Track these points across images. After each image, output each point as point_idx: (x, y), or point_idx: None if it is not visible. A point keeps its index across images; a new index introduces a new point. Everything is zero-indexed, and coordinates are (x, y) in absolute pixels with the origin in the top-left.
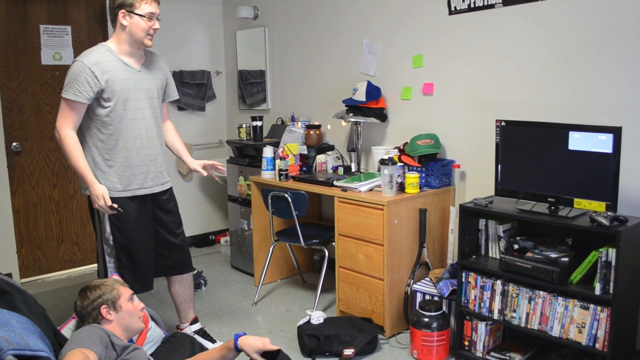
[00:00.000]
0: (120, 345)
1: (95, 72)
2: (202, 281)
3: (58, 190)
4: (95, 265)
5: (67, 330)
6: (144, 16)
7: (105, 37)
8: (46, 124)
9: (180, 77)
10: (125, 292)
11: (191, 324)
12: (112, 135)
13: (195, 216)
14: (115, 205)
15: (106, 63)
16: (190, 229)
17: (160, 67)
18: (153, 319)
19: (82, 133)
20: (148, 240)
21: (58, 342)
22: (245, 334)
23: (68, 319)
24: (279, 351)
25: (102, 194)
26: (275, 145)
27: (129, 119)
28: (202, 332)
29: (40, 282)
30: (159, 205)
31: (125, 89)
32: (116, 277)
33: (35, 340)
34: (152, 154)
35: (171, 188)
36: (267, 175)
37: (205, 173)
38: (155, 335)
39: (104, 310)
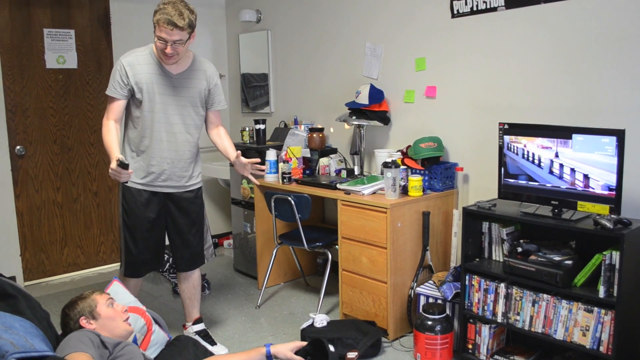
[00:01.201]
0: (111, 342)
1: (127, 71)
2: (206, 284)
3: (62, 193)
4: (98, 268)
5: None
6: (158, 39)
7: (108, 41)
8: (50, 127)
9: None
10: (102, 298)
11: (194, 323)
12: (139, 132)
13: None
14: (122, 157)
15: (141, 65)
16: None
17: (205, 77)
18: (157, 322)
19: (125, 124)
20: (152, 231)
21: None
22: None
23: None
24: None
25: (112, 166)
26: (279, 148)
27: (155, 121)
28: (203, 334)
29: (44, 285)
30: (175, 204)
31: (153, 92)
32: (117, 282)
33: (39, 343)
34: (170, 157)
35: (196, 190)
36: (270, 178)
37: (246, 172)
38: (159, 338)
39: (83, 321)
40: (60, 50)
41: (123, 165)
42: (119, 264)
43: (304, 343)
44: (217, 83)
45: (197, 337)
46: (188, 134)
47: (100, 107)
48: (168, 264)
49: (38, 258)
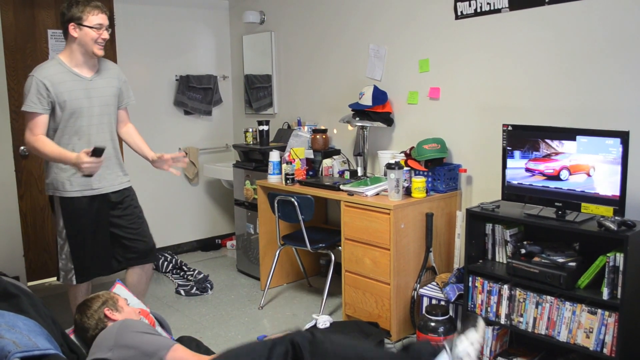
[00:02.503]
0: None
1: (47, 85)
2: (209, 285)
3: None
4: None
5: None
6: (93, 27)
7: (112, 42)
8: None
9: (187, 82)
10: (121, 298)
11: None
12: (67, 143)
13: (201, 220)
14: (89, 151)
15: (56, 75)
16: (197, 233)
17: (115, 75)
18: (160, 323)
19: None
20: (97, 234)
21: (67, 345)
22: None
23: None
24: None
25: (77, 156)
26: (282, 149)
27: (81, 126)
28: None
29: (47, 285)
30: (112, 203)
31: (76, 98)
32: (120, 285)
33: (43, 341)
34: (110, 158)
35: (129, 188)
36: (274, 179)
37: (166, 166)
38: None
39: (107, 311)
40: None
41: (99, 151)
42: None
43: None
44: (125, 79)
45: None
46: (112, 132)
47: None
48: (171, 265)
49: (41, 258)
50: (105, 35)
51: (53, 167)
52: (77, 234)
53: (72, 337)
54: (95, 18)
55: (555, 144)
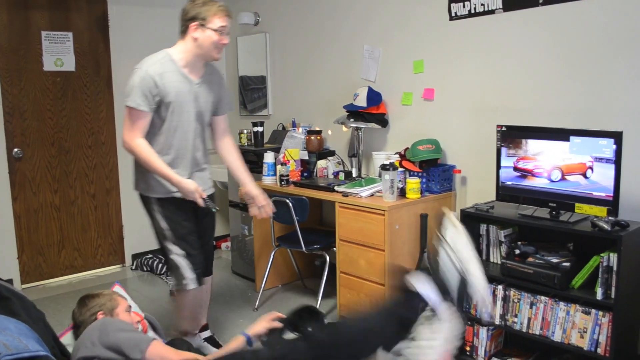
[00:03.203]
0: None
1: (156, 81)
2: None
3: (59, 196)
4: (96, 270)
5: (66, 337)
6: (216, 30)
7: (106, 44)
8: (47, 130)
9: None
10: (123, 303)
11: (201, 331)
12: (163, 144)
13: None
14: (205, 196)
15: (167, 74)
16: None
17: (217, 81)
18: (152, 325)
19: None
20: (199, 233)
21: (58, 349)
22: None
23: (67, 327)
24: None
25: (195, 187)
26: (276, 150)
27: (180, 130)
28: (211, 340)
29: (41, 288)
30: (200, 209)
31: (182, 101)
32: (118, 287)
33: (34, 344)
34: (196, 165)
35: (213, 194)
36: (268, 180)
37: (255, 210)
38: None
39: (100, 315)
40: (58, 53)
41: (210, 203)
42: (117, 266)
43: (279, 314)
44: (226, 86)
45: (205, 344)
46: (203, 140)
47: (98, 109)
48: (165, 267)
49: (35, 261)
50: (226, 40)
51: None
52: (183, 234)
53: (63, 341)
54: (220, 21)
55: (547, 144)
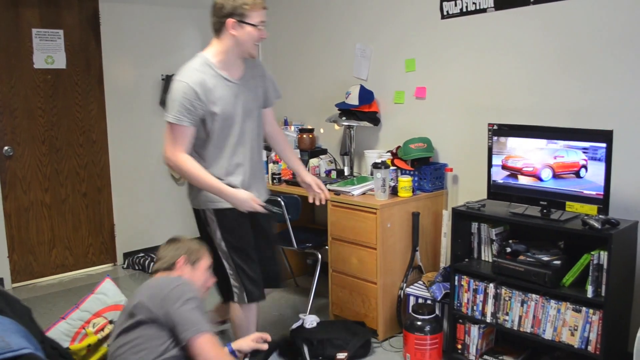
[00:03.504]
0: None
1: (198, 93)
2: None
3: (50, 194)
4: (87, 269)
5: (55, 330)
6: (256, 25)
7: (98, 42)
8: (38, 128)
9: None
10: (208, 260)
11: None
12: (210, 154)
13: (188, 220)
14: (261, 202)
15: (208, 81)
16: (183, 233)
17: (260, 73)
18: None
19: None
20: (259, 244)
21: (48, 343)
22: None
23: (56, 320)
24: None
25: (250, 196)
26: (268, 149)
27: (229, 137)
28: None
29: (32, 287)
30: (261, 216)
31: (227, 108)
32: (109, 280)
33: (19, 340)
34: (251, 169)
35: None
36: None
37: (311, 197)
38: None
39: (182, 260)
40: (49, 51)
41: (269, 208)
42: (109, 265)
43: (264, 335)
44: (271, 76)
45: None
46: (259, 138)
47: (89, 107)
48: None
49: (26, 260)
50: (265, 34)
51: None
52: (240, 247)
53: (51, 334)
54: (259, 14)
55: (538, 142)
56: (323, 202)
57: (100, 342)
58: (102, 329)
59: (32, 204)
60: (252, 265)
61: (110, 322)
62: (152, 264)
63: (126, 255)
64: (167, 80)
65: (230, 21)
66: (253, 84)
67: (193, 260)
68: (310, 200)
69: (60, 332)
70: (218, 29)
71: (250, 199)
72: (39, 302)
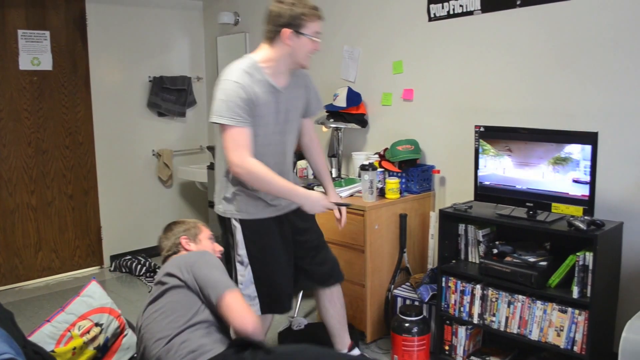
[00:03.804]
0: None
1: (248, 92)
2: None
3: (36, 196)
4: (73, 272)
5: (39, 333)
6: (311, 36)
7: (84, 43)
8: (24, 130)
9: (161, 83)
10: (206, 231)
11: (349, 350)
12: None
13: None
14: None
15: (257, 83)
16: None
17: (304, 83)
18: (130, 326)
19: (216, 158)
20: (285, 258)
21: (30, 347)
22: None
23: (40, 323)
24: None
25: (321, 196)
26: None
27: (267, 144)
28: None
29: (18, 290)
30: (295, 220)
31: (268, 114)
32: (95, 282)
33: (0, 344)
34: (291, 179)
35: None
36: None
37: (337, 216)
38: (131, 342)
39: (183, 240)
40: (35, 52)
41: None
42: (96, 267)
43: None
44: (314, 87)
45: None
46: (292, 148)
47: (76, 109)
48: (145, 268)
49: (11, 263)
50: (319, 46)
51: (231, 186)
52: (261, 258)
53: (36, 337)
54: (316, 25)
55: (526, 145)
56: (339, 228)
57: (86, 344)
58: (88, 332)
59: (18, 207)
60: (272, 277)
61: (96, 324)
62: (139, 267)
63: (113, 257)
64: (155, 82)
65: (286, 31)
66: (296, 94)
67: (193, 236)
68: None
69: (45, 334)
70: (272, 37)
71: (323, 199)
72: (25, 305)
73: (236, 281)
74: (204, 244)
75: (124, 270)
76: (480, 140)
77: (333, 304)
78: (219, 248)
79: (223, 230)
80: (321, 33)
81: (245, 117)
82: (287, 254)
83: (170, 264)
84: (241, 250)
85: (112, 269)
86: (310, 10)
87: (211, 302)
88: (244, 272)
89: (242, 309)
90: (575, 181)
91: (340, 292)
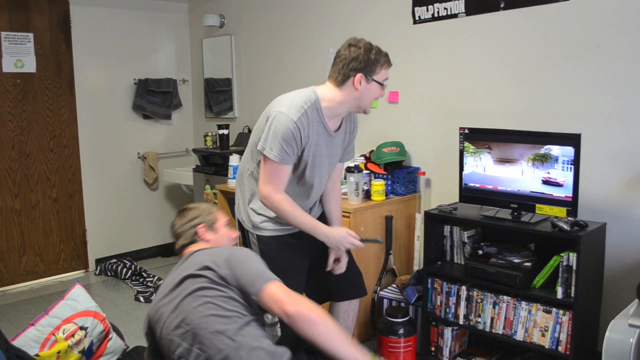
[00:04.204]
0: None
1: (302, 133)
2: None
3: (20, 200)
4: (58, 276)
5: (23, 337)
6: (381, 84)
7: (69, 45)
8: (7, 133)
9: (146, 85)
10: (223, 217)
11: None
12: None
13: (161, 226)
14: (358, 237)
15: (313, 124)
16: (157, 238)
17: (352, 130)
18: (115, 330)
19: (254, 172)
20: (300, 274)
21: (13, 352)
22: None
23: (24, 327)
24: None
25: (346, 233)
26: (242, 153)
27: (304, 181)
28: None
29: (1, 294)
30: (312, 244)
31: (317, 155)
32: (79, 286)
33: None
34: (309, 210)
35: None
36: (234, 183)
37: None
38: (116, 346)
39: (202, 229)
40: (19, 54)
41: (369, 242)
42: (81, 271)
43: None
44: (355, 134)
45: None
46: (323, 186)
47: (60, 112)
48: (130, 271)
49: None
50: (384, 93)
51: (255, 203)
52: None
53: (20, 341)
54: (386, 73)
55: (510, 146)
56: (334, 273)
57: (70, 348)
58: (73, 335)
59: (1, 210)
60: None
61: (81, 328)
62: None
63: (98, 261)
64: (140, 84)
65: (359, 76)
66: (342, 138)
67: (210, 224)
68: (328, 268)
69: (29, 338)
70: (342, 80)
71: (347, 235)
72: (9, 309)
73: None
74: (222, 233)
75: (109, 274)
76: (465, 142)
77: (346, 316)
78: (236, 234)
79: (243, 239)
80: (388, 79)
81: (290, 157)
82: (299, 272)
83: (202, 258)
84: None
85: (97, 272)
86: (384, 57)
87: (251, 296)
88: None
89: (289, 296)
90: (555, 183)
91: (357, 308)
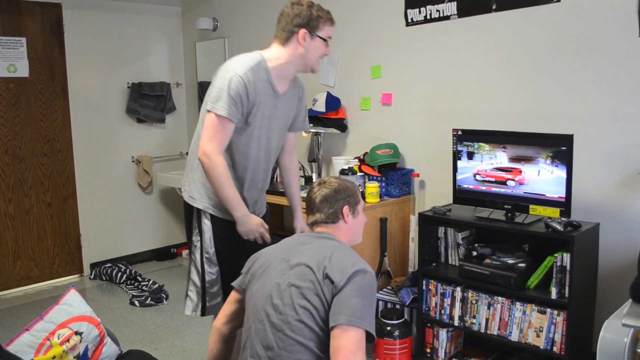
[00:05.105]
0: None
1: (249, 90)
2: (164, 295)
3: (13, 204)
4: (53, 281)
5: (18, 343)
6: (325, 40)
7: (61, 49)
8: (1, 138)
9: (139, 89)
10: (362, 201)
11: None
12: (239, 165)
13: (156, 229)
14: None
15: (260, 83)
16: (152, 242)
17: (299, 95)
18: (109, 334)
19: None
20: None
21: (7, 357)
22: None
23: (19, 332)
24: None
25: (261, 222)
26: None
27: (251, 147)
28: None
29: None
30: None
31: (263, 116)
32: (74, 291)
33: None
34: (262, 185)
35: (266, 214)
36: None
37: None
38: (110, 351)
39: (346, 210)
40: (11, 59)
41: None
42: (75, 276)
43: None
44: (305, 103)
45: None
46: (274, 158)
47: (54, 116)
48: (125, 275)
49: None
50: (329, 51)
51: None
52: (230, 261)
53: (14, 346)
54: (329, 30)
55: (502, 147)
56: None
57: (65, 353)
58: (68, 340)
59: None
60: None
61: (76, 333)
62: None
63: (93, 265)
64: (134, 88)
65: (302, 31)
66: (290, 103)
67: (353, 205)
68: None
69: (24, 343)
70: (286, 37)
71: (261, 227)
72: (3, 315)
73: (204, 279)
74: (360, 218)
75: (104, 278)
76: (459, 143)
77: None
78: (365, 219)
79: (188, 215)
80: (332, 39)
81: (236, 114)
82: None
83: (336, 261)
84: (210, 249)
85: (92, 277)
86: (326, 14)
87: (331, 322)
88: (213, 271)
89: (355, 349)
90: (552, 183)
91: None
